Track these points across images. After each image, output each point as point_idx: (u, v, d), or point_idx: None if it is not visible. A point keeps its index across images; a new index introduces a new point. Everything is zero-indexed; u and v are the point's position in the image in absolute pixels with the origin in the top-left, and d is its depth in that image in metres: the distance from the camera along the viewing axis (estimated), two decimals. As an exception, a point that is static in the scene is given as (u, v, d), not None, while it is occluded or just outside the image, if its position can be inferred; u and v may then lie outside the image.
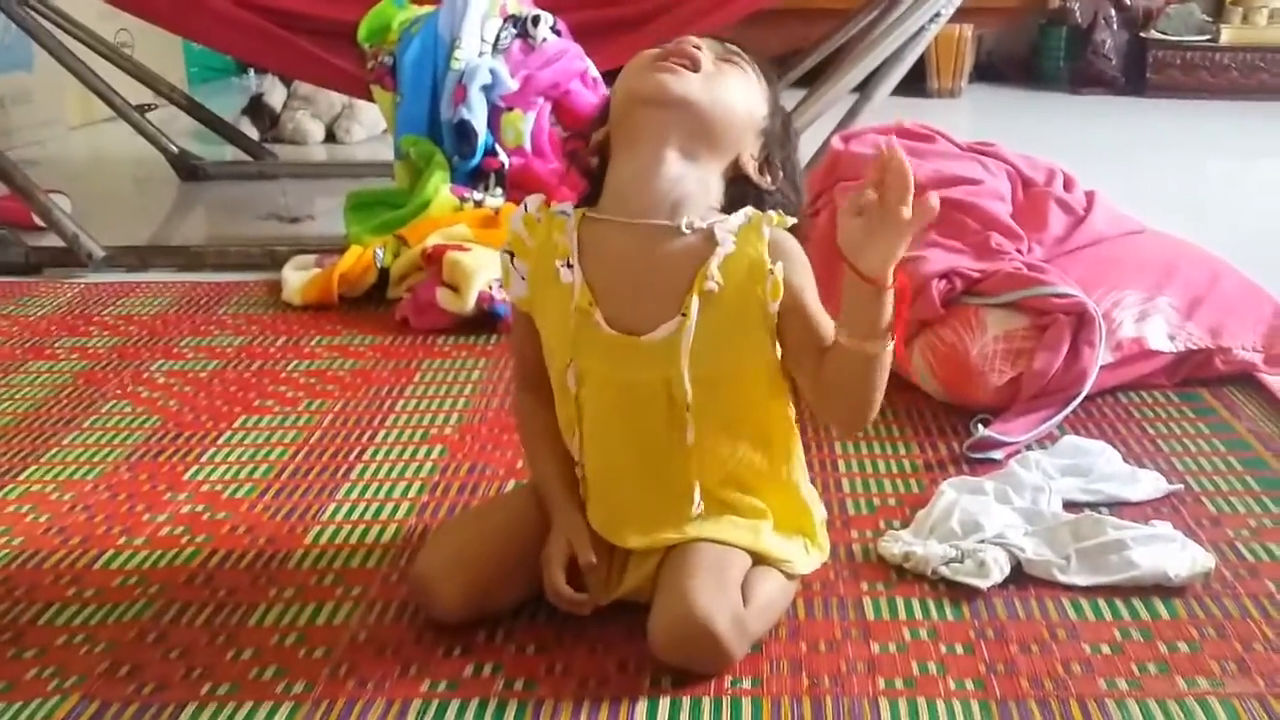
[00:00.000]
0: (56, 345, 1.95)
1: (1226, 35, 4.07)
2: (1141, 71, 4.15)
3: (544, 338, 1.14)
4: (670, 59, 1.09)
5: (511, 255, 1.15)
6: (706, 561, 1.08)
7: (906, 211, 0.98)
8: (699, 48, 1.10)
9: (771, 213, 1.09)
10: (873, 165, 0.99)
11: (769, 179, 1.12)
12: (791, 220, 1.09)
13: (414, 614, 1.16)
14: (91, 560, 1.28)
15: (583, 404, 1.12)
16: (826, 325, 1.07)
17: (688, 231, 1.07)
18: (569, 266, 1.10)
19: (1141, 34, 4.17)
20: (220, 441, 1.57)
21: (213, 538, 1.32)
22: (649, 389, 1.09)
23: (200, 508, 1.39)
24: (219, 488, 1.44)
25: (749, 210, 1.09)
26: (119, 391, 1.75)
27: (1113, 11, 4.20)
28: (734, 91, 1.10)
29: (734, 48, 1.14)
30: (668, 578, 1.08)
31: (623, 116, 1.11)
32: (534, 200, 1.15)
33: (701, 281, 1.06)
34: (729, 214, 1.09)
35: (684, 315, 1.06)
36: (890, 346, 1.03)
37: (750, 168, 1.11)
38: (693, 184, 1.08)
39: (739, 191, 1.11)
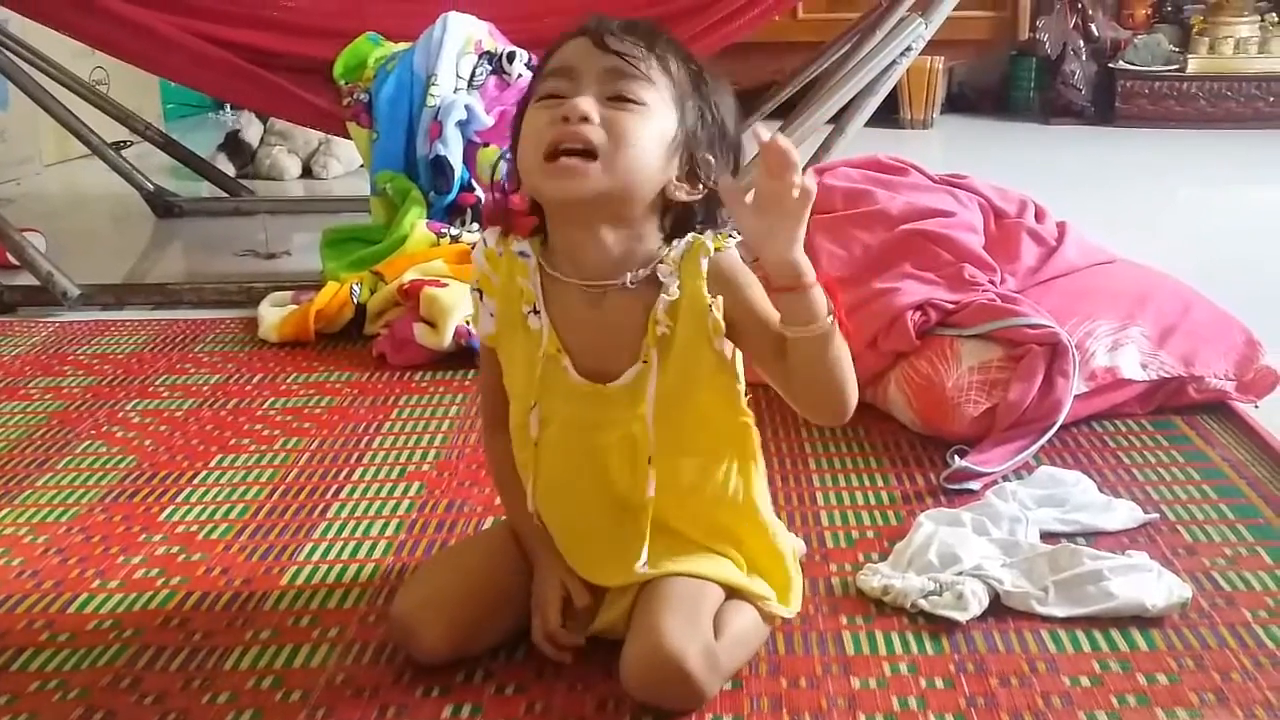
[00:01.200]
0: (30, 385, 1.93)
1: (1193, 65, 4.11)
2: (1110, 101, 4.19)
3: (508, 378, 1.14)
4: (562, 155, 1.02)
5: (481, 293, 1.14)
6: (679, 595, 1.07)
7: (795, 191, 0.98)
8: (587, 117, 1.02)
9: (708, 241, 1.07)
10: (761, 158, 0.98)
11: (700, 186, 1.08)
12: (731, 241, 1.08)
13: (392, 655, 1.15)
14: (65, 604, 1.27)
15: (542, 448, 1.11)
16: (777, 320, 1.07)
17: (633, 286, 1.07)
18: (536, 313, 1.10)
19: (1110, 64, 4.22)
20: (196, 481, 1.56)
21: (188, 579, 1.31)
22: (612, 434, 1.09)
23: (175, 549, 1.38)
24: (194, 528, 1.43)
25: (689, 239, 1.08)
26: (93, 432, 1.74)
27: (1081, 42, 4.25)
28: (638, 145, 1.03)
29: (621, 65, 1.04)
30: (640, 613, 1.08)
31: (538, 199, 1.09)
32: (492, 234, 1.14)
33: (654, 328, 1.07)
34: (672, 238, 1.08)
35: (645, 363, 1.07)
36: (833, 322, 1.03)
37: (680, 194, 1.08)
38: (632, 240, 1.08)
39: (677, 214, 1.09)
